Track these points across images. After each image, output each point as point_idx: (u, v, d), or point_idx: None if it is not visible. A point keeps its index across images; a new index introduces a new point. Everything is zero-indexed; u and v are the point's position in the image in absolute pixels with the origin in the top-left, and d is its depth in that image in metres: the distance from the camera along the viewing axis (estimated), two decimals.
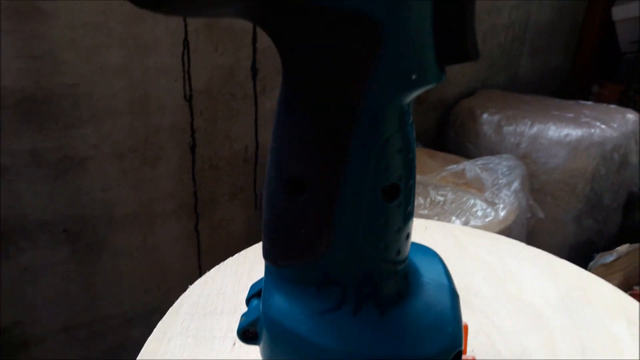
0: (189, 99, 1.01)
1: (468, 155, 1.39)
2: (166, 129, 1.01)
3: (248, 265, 0.45)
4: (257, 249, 0.48)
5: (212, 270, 0.44)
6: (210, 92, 1.03)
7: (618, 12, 1.67)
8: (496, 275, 0.47)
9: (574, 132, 1.29)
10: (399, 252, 0.28)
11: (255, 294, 0.31)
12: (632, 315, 0.43)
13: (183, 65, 0.98)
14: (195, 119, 1.04)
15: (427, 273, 0.31)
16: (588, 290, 0.46)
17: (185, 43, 0.97)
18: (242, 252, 0.47)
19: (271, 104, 1.12)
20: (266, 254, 0.28)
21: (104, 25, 0.87)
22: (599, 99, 1.79)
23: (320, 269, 0.27)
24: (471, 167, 1.09)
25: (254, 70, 1.07)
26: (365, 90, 0.23)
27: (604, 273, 1.03)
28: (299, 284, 0.28)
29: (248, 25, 1.03)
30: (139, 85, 0.94)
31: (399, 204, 0.26)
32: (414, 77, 0.23)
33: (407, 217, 0.27)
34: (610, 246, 1.51)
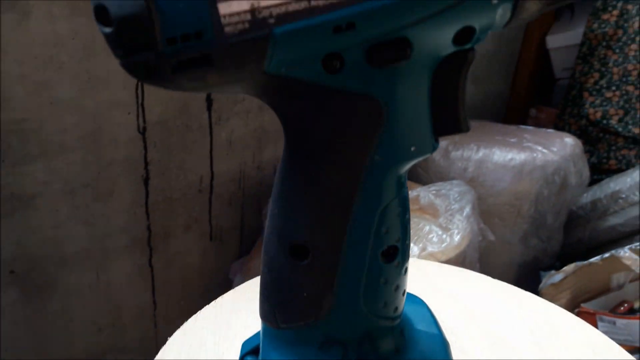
0: (142, 131, 0.99)
1: (419, 180, 1.43)
2: (119, 163, 0.98)
3: (226, 313, 0.44)
4: (232, 296, 0.47)
5: (190, 319, 0.44)
6: (164, 123, 1.02)
7: (552, 41, 1.77)
8: (472, 313, 0.48)
9: (518, 156, 1.35)
10: (396, 309, 0.28)
11: (249, 351, 0.31)
12: (598, 347, 0.45)
13: (137, 97, 0.96)
14: (148, 152, 1.02)
15: (419, 323, 0.32)
16: (556, 324, 0.48)
17: None
18: (218, 300, 0.46)
19: (226, 134, 1.11)
20: (265, 316, 0.28)
21: (55, 60, 0.84)
22: (537, 122, 1.88)
23: (321, 330, 0.27)
24: (425, 194, 1.12)
25: (209, 100, 1.07)
26: (368, 162, 0.24)
27: (554, 292, 1.07)
28: (300, 344, 0.28)
29: None
30: (91, 120, 0.92)
31: (397, 264, 0.27)
32: (413, 149, 0.24)
33: (404, 274, 0.28)
34: (554, 263, 1.58)
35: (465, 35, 0.22)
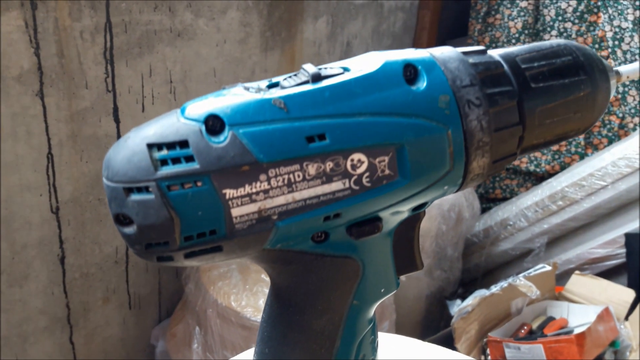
0: (55, 211, 0.97)
1: None
2: (33, 245, 0.95)
3: None
4: None
5: None
6: (77, 200, 1.00)
7: None
8: None
9: None
10: None
11: None
12: None
13: (48, 178, 0.94)
14: (63, 230, 1.00)
15: None
16: None
17: (50, 156, 0.94)
18: None
19: None
20: None
21: None
22: None
23: None
24: None
25: None
26: (348, 307, 0.29)
27: (464, 325, 1.17)
28: None
29: (112, 130, 1.03)
30: (2, 205, 0.89)
31: None
32: (382, 290, 0.29)
33: None
34: (456, 289, 1.70)
35: (420, 207, 0.28)
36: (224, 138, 0.23)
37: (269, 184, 0.23)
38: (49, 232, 0.97)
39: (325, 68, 0.26)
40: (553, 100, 0.28)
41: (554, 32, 1.74)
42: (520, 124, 0.27)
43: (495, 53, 0.29)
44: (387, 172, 0.25)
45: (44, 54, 0.89)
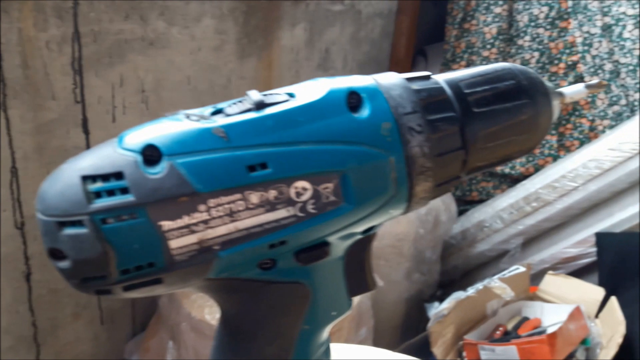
0: (20, 226, 0.95)
1: None
2: None
3: None
4: None
5: None
6: None
7: None
8: None
9: None
10: None
11: None
12: None
13: (12, 193, 0.92)
14: (28, 246, 0.97)
15: None
16: None
17: (14, 170, 0.91)
18: None
19: None
20: None
21: None
22: None
23: None
24: None
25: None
26: (298, 332, 0.28)
27: (440, 329, 1.17)
28: None
29: (81, 141, 1.01)
30: None
31: None
32: (334, 313, 0.29)
33: None
34: (435, 292, 1.71)
35: (369, 229, 0.28)
36: (161, 169, 0.22)
37: (209, 214, 0.23)
38: (13, 249, 0.94)
39: (271, 94, 0.26)
40: (496, 124, 0.28)
41: (527, 38, 1.76)
42: (463, 149, 0.27)
43: (440, 78, 0.29)
44: (332, 198, 0.25)
45: (7, 65, 0.87)
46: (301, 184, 0.24)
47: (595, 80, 0.30)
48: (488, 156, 0.29)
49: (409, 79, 0.28)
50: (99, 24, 0.98)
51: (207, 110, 0.25)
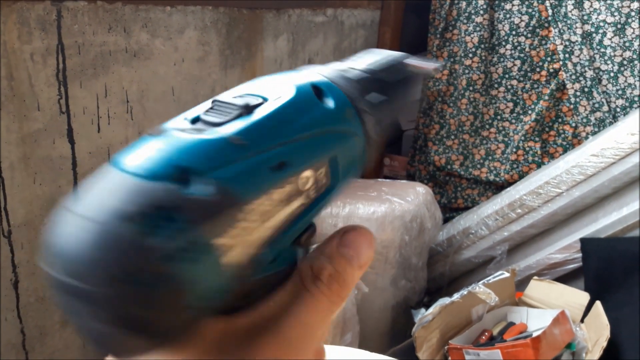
0: (8, 235, 0.96)
1: None
2: None
3: None
4: None
5: None
6: (31, 224, 0.99)
7: None
8: None
9: (379, 209, 1.48)
10: None
11: None
12: None
13: None
14: (16, 254, 0.98)
15: None
16: None
17: (0, 180, 0.93)
18: None
19: None
20: None
21: None
22: (392, 169, 2.06)
23: None
24: None
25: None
26: None
27: (425, 334, 1.18)
28: None
29: (67, 151, 1.03)
30: None
31: None
32: None
33: None
34: (422, 298, 1.72)
35: None
36: (201, 187, 0.22)
37: (247, 221, 0.24)
38: (0, 257, 0.95)
39: (242, 96, 0.27)
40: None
41: (508, 46, 1.79)
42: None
43: (356, 66, 0.33)
44: (324, 181, 0.27)
45: None
46: (306, 173, 0.26)
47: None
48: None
49: (341, 70, 0.31)
50: (82, 36, 1.00)
51: (184, 123, 0.26)
